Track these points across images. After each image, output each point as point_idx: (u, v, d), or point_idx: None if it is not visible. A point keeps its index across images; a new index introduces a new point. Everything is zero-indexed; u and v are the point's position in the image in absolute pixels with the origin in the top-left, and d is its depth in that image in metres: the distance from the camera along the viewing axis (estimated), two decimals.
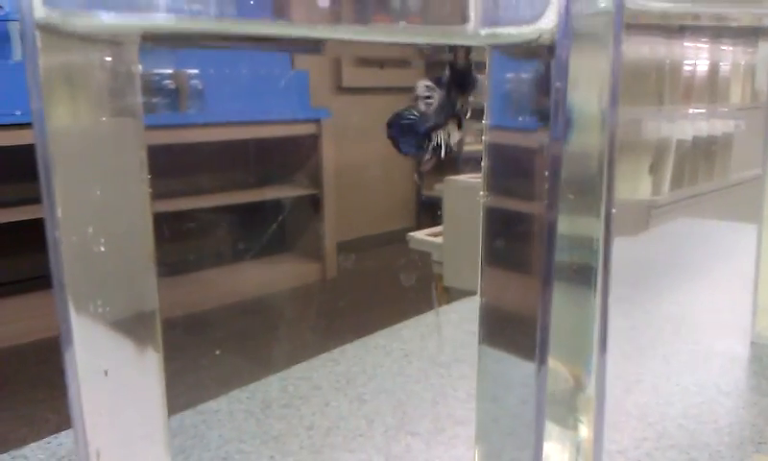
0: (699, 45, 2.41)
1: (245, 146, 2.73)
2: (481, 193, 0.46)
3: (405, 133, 0.45)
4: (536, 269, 0.38)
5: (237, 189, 2.73)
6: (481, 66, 0.43)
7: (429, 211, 3.07)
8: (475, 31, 0.38)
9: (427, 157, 0.44)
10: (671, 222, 1.53)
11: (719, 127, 2.39)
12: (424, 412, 0.70)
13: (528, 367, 0.40)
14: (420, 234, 2.43)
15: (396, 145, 0.45)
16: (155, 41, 0.40)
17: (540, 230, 0.38)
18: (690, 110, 2.25)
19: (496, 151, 0.44)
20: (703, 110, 2.32)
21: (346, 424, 0.68)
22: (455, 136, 0.46)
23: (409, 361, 0.82)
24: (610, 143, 0.40)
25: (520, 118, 0.42)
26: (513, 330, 0.42)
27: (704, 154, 2.31)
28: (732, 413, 0.72)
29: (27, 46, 0.31)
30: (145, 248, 0.43)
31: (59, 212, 0.32)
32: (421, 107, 0.44)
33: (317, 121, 2.72)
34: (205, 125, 2.73)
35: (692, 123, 2.25)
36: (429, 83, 0.45)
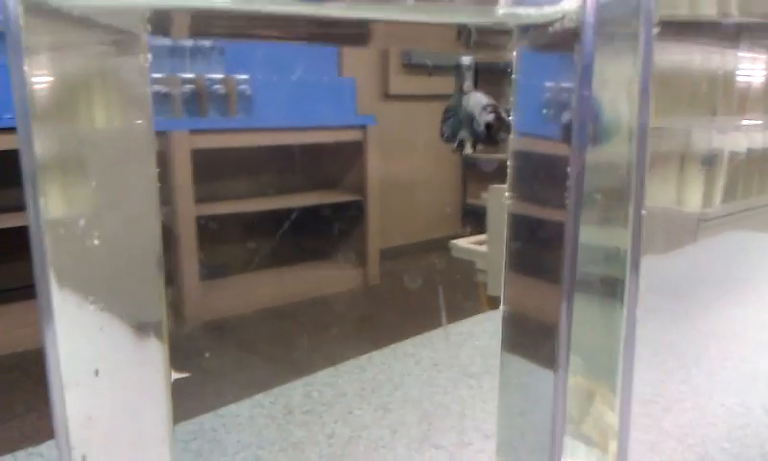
0: (755, 54, 2.34)
1: (291, 152, 2.76)
2: (506, 195, 0.45)
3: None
4: (558, 278, 0.37)
5: (282, 194, 2.76)
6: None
7: (473, 220, 3.06)
8: (498, 11, 0.37)
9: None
10: (721, 234, 1.49)
11: None
12: (451, 424, 0.69)
13: (550, 377, 0.39)
14: (463, 242, 2.42)
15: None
16: (163, 27, 0.37)
17: (563, 239, 0.37)
18: (744, 122, 2.19)
19: (522, 157, 0.43)
20: (758, 122, 2.25)
21: (368, 433, 0.68)
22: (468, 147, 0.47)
23: (438, 370, 0.82)
24: (639, 150, 0.39)
25: (546, 125, 0.42)
26: (535, 339, 0.41)
27: (758, 166, 2.24)
28: None
29: (9, 27, 0.27)
30: (151, 249, 0.41)
31: (41, 202, 0.30)
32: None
33: (363, 128, 2.73)
34: (253, 130, 2.77)
35: (746, 134, 2.18)
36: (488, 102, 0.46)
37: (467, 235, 2.33)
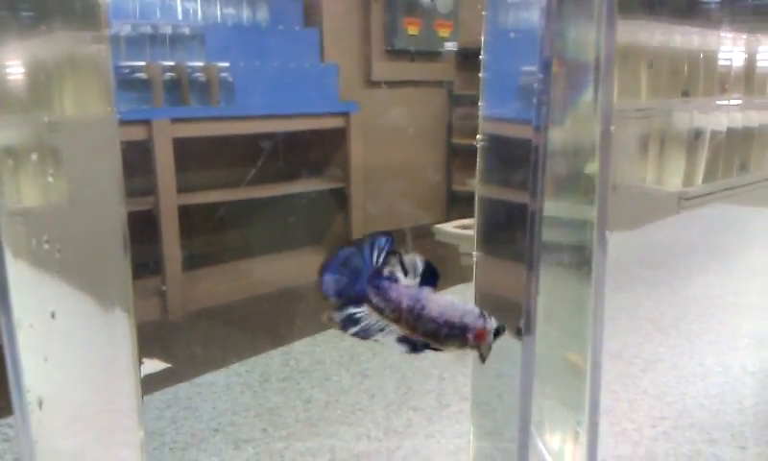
0: (735, 35, 2.35)
1: (273, 139, 2.75)
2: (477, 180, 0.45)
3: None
4: (523, 252, 0.37)
5: (265, 182, 2.75)
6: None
7: (459, 206, 3.06)
8: None
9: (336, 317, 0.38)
10: (702, 208, 1.50)
11: (756, 118, 2.33)
12: (430, 388, 0.69)
13: (518, 344, 0.40)
14: (447, 226, 2.41)
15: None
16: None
17: (527, 217, 0.37)
18: (725, 102, 2.20)
19: (489, 141, 0.43)
20: (738, 101, 2.26)
21: (345, 398, 0.67)
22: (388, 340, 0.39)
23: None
24: (604, 125, 0.39)
25: (511, 107, 0.42)
26: (506, 309, 0.42)
27: (739, 146, 2.25)
28: (757, 394, 0.69)
29: None
30: (116, 230, 0.40)
31: None
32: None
33: (345, 115, 2.72)
34: (235, 118, 2.75)
35: (727, 114, 2.19)
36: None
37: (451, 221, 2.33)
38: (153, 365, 0.78)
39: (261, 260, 2.66)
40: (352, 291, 0.37)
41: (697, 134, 2.07)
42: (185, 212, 2.42)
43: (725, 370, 0.74)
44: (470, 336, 0.37)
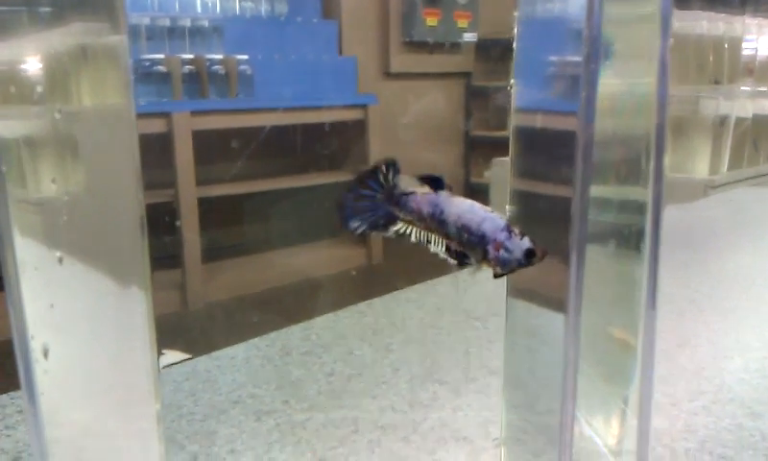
0: (761, 21, 2.30)
1: (292, 132, 2.73)
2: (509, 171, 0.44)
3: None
4: (562, 246, 0.35)
5: (284, 175, 2.74)
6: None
7: (478, 198, 3.03)
8: None
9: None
10: (730, 192, 1.46)
11: None
12: (455, 362, 0.66)
13: (560, 319, 0.37)
14: None
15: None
16: None
17: (569, 209, 0.35)
18: (752, 88, 2.15)
19: (524, 133, 0.41)
20: (765, 89, 2.21)
21: (369, 371, 0.65)
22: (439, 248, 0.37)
23: (442, 314, 0.79)
24: (660, 118, 0.37)
25: (549, 97, 0.39)
26: (543, 287, 0.39)
27: (765, 133, 2.20)
28: None
29: None
30: (133, 213, 0.40)
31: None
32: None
33: (364, 107, 2.70)
34: (254, 110, 2.75)
35: (753, 101, 2.14)
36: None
37: None
38: (173, 356, 0.76)
39: (280, 252, 2.66)
40: (375, 215, 0.36)
41: (722, 121, 2.02)
42: (205, 204, 2.42)
43: (763, 345, 0.71)
44: (490, 248, 0.34)
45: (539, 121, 0.42)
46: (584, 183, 0.35)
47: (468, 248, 0.35)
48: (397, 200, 0.36)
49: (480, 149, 3.04)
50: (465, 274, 0.93)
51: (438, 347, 0.70)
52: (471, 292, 0.85)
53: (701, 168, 1.97)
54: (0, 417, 0.58)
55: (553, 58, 0.40)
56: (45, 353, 0.33)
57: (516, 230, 0.34)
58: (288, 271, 2.52)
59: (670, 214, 1.19)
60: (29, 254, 0.33)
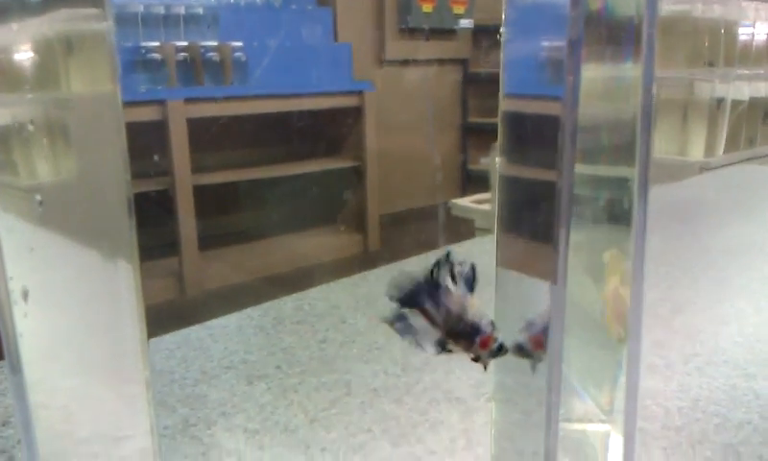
0: (758, 5, 2.30)
1: (288, 119, 2.72)
2: (497, 160, 0.44)
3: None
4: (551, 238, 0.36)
5: (280, 162, 2.73)
6: None
7: (474, 185, 3.02)
8: None
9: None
10: (725, 169, 1.46)
11: None
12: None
13: (545, 288, 0.38)
14: (464, 201, 2.39)
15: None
16: None
17: (556, 196, 0.35)
18: (750, 71, 2.14)
19: (511, 118, 0.42)
20: (761, 71, 2.20)
21: (362, 339, 0.65)
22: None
23: None
24: (645, 99, 0.36)
25: (535, 82, 0.40)
26: (531, 256, 0.40)
27: (761, 116, 2.20)
28: None
29: None
30: (120, 194, 0.41)
31: None
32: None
33: (360, 93, 2.69)
34: (249, 97, 2.73)
35: (749, 83, 2.14)
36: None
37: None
38: None
39: (277, 240, 2.65)
40: (413, 302, 0.39)
41: (718, 104, 2.02)
42: (201, 192, 2.42)
43: (758, 311, 0.70)
44: (477, 340, 0.38)
45: (525, 106, 0.42)
46: (568, 166, 0.36)
47: (458, 338, 0.39)
48: (431, 292, 0.39)
49: (477, 136, 3.04)
50: (459, 248, 0.92)
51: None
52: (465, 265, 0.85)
53: (696, 151, 1.96)
54: None
55: (539, 42, 0.40)
56: (25, 295, 0.33)
57: (497, 329, 0.39)
58: (285, 258, 2.52)
59: (664, 191, 1.19)
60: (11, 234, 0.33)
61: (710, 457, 0.47)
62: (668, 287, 0.77)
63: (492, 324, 0.39)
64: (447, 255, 0.40)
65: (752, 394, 0.55)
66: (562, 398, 0.41)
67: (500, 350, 0.40)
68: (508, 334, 0.48)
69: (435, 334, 0.39)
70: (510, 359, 0.48)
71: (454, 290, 0.39)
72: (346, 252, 2.72)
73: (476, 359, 0.40)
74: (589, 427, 0.48)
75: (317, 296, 0.75)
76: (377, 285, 0.78)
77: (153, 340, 0.64)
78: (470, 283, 0.40)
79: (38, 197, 0.34)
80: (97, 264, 0.41)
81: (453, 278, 0.39)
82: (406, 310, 0.40)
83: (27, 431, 0.37)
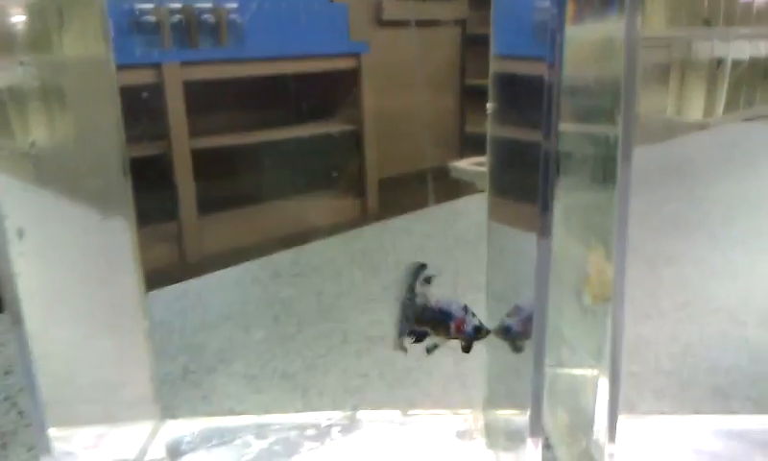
0: None
1: (284, 82, 2.71)
2: (487, 105, 0.45)
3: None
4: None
5: (276, 126, 2.72)
6: None
7: (473, 147, 3.01)
8: None
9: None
10: (723, 126, 1.46)
11: None
12: (444, 281, 0.67)
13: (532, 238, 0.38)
14: (463, 164, 2.39)
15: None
16: None
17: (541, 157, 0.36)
18: (749, 30, 2.12)
19: (500, 80, 0.42)
20: (763, 30, 2.18)
21: (358, 290, 0.65)
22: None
23: (432, 240, 0.79)
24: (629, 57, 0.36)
25: (523, 43, 0.40)
26: (519, 214, 0.41)
27: (762, 76, 2.18)
28: None
29: None
30: (115, 156, 0.42)
31: None
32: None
33: (356, 55, 2.67)
34: (245, 60, 2.71)
35: (750, 43, 2.12)
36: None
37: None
38: None
39: (275, 205, 2.65)
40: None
41: (718, 64, 2.01)
42: (199, 157, 2.41)
43: (753, 264, 0.71)
44: (452, 325, 0.42)
45: (513, 67, 0.43)
46: (552, 125, 0.36)
47: (436, 327, 0.42)
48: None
49: (475, 98, 3.02)
50: (457, 205, 0.93)
51: (428, 268, 0.71)
52: (464, 220, 0.85)
53: (694, 111, 1.96)
54: None
55: (526, 2, 0.40)
56: (20, 234, 0.33)
57: (471, 313, 0.42)
58: (283, 223, 2.52)
59: (656, 149, 1.19)
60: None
61: (700, 398, 0.48)
62: (661, 241, 0.77)
63: (465, 308, 0.42)
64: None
65: (742, 340, 0.56)
66: (551, 344, 0.42)
67: (478, 331, 0.42)
68: (501, 297, 0.49)
69: (408, 328, 0.43)
70: (502, 307, 0.49)
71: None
72: (344, 216, 2.72)
73: (467, 349, 0.42)
74: (579, 372, 0.49)
75: (314, 250, 0.76)
76: (373, 240, 0.79)
77: (152, 293, 0.64)
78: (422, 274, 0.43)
79: (31, 138, 0.34)
80: (95, 221, 0.42)
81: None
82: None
83: (29, 378, 0.38)
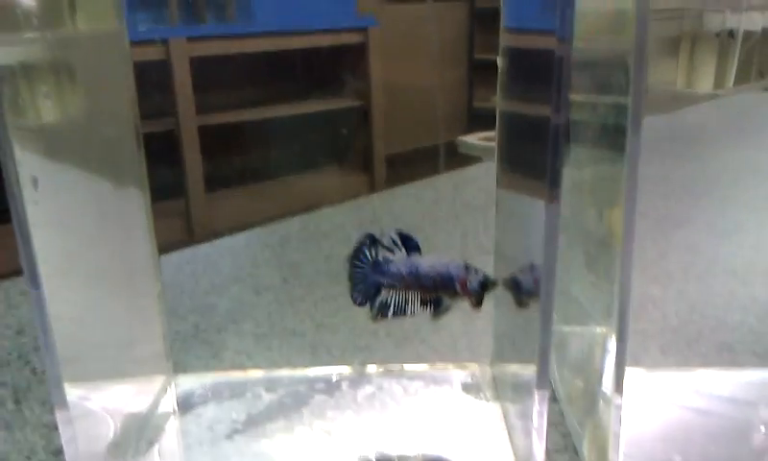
0: None
1: (291, 57, 2.70)
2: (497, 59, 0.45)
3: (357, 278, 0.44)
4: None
5: (283, 102, 2.72)
6: None
7: (481, 123, 3.00)
8: None
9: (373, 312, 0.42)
10: (734, 97, 1.45)
11: None
12: (452, 244, 0.67)
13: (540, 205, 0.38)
14: (471, 138, 2.38)
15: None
16: None
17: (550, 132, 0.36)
18: (760, 1, 2.09)
19: (510, 54, 0.42)
20: None
21: None
22: (409, 310, 0.43)
23: (440, 207, 0.80)
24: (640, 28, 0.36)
25: (533, 17, 0.39)
26: (527, 180, 0.41)
27: None
28: None
29: None
30: (129, 129, 0.43)
31: None
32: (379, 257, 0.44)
33: (364, 30, 2.65)
34: (252, 35, 2.70)
35: (762, 14, 2.09)
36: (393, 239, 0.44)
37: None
38: None
39: (283, 181, 2.65)
40: (366, 286, 0.44)
41: (729, 35, 1.98)
42: (206, 133, 2.41)
43: (760, 226, 0.71)
44: (457, 285, 0.41)
45: (524, 41, 0.42)
46: (562, 99, 0.36)
47: (442, 290, 0.42)
48: (379, 269, 0.43)
49: (484, 73, 3.00)
50: (465, 173, 0.93)
51: (436, 232, 0.71)
52: (473, 186, 0.86)
53: (705, 83, 1.94)
54: (5, 297, 0.60)
55: None
56: (35, 182, 0.34)
57: (474, 268, 0.42)
58: (291, 199, 2.52)
59: (666, 119, 1.18)
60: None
61: (705, 354, 0.49)
62: (669, 205, 0.77)
63: (466, 266, 0.42)
64: (368, 237, 0.45)
65: (749, 299, 0.56)
66: (559, 303, 0.42)
67: (485, 285, 0.42)
68: (510, 260, 0.49)
69: (417, 298, 0.42)
70: (511, 267, 0.50)
71: (397, 256, 0.43)
72: (351, 192, 2.72)
73: (478, 304, 0.42)
74: (588, 330, 0.49)
75: (322, 216, 0.76)
76: (381, 207, 0.79)
77: (163, 257, 0.65)
78: (408, 243, 0.44)
79: (44, 88, 0.35)
80: (110, 190, 0.43)
81: (389, 249, 0.44)
82: (383, 297, 0.43)
83: (45, 331, 0.38)
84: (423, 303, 0.43)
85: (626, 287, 0.45)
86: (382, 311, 0.43)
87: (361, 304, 0.43)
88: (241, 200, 2.59)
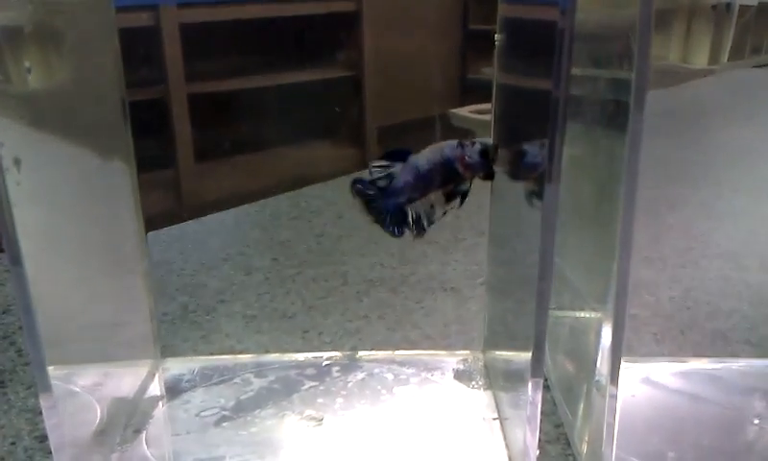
0: None
1: (282, 25, 2.66)
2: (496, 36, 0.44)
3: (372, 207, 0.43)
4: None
5: (273, 71, 2.68)
6: None
7: (474, 95, 2.97)
8: None
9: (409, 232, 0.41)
10: (729, 73, 1.44)
11: None
12: (446, 225, 0.66)
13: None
14: (464, 111, 2.36)
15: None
16: None
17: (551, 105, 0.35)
18: None
19: (509, 25, 0.41)
20: None
21: (359, 233, 0.65)
22: (439, 211, 0.42)
23: None
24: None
25: None
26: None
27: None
28: None
29: None
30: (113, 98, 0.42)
31: None
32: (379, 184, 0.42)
33: None
34: (242, 2, 2.66)
35: None
36: (379, 163, 0.43)
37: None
38: None
39: (275, 151, 2.63)
40: (391, 215, 0.43)
41: (725, 9, 1.97)
42: (196, 102, 2.38)
43: (756, 209, 0.71)
44: (458, 166, 0.39)
45: (523, 12, 0.41)
46: (563, 73, 0.35)
47: (451, 180, 0.40)
48: (392, 190, 0.42)
49: (478, 43, 2.97)
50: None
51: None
52: None
53: (700, 58, 1.92)
54: None
55: None
56: (17, 163, 0.32)
57: (468, 142, 0.40)
58: (282, 171, 2.50)
59: (659, 95, 1.17)
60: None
61: (699, 342, 0.48)
62: (664, 186, 0.77)
63: (459, 144, 0.40)
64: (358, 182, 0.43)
65: (743, 284, 0.56)
66: (554, 287, 0.41)
67: (485, 152, 0.40)
68: (503, 241, 0.48)
69: (439, 197, 0.42)
70: (505, 251, 0.49)
71: (394, 168, 0.41)
72: (342, 165, 2.70)
73: (489, 177, 0.41)
74: (582, 315, 0.49)
75: (313, 193, 0.75)
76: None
77: (150, 233, 0.64)
78: (396, 155, 0.41)
79: (27, 63, 0.33)
80: (94, 162, 0.41)
81: (385, 166, 0.42)
82: (412, 214, 0.42)
83: (29, 315, 0.37)
84: (447, 197, 0.42)
85: (624, 271, 0.44)
86: (418, 227, 0.43)
87: (401, 234, 0.42)
88: (231, 170, 2.57)
